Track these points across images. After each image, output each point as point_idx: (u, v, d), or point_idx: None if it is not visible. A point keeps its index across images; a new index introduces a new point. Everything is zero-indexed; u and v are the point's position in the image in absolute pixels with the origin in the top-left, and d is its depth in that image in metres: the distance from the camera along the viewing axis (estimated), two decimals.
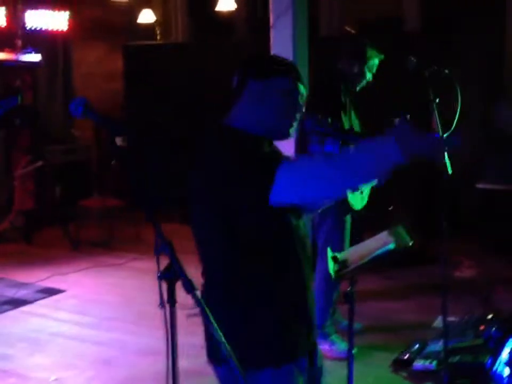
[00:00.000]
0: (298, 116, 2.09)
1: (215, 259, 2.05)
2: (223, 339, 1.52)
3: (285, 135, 2.11)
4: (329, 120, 2.51)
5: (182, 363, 1.74)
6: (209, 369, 2.13)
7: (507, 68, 7.38)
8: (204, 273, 2.10)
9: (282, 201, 1.90)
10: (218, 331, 1.52)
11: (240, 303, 2.01)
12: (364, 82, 4.20)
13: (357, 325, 4.39)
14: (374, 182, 2.17)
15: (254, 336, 2.00)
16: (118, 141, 7.66)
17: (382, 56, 4.20)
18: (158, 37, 8.89)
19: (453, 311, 3.72)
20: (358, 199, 4.11)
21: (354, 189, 2.07)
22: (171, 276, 1.55)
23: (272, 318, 2.01)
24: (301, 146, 3.99)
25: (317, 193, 1.94)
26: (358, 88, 4.21)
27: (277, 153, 2.11)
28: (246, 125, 2.05)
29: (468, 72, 6.09)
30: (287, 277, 2.04)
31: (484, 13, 6.75)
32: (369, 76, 4.19)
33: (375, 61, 4.18)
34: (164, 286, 1.58)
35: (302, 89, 2.08)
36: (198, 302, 1.53)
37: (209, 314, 1.53)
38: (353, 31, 7.94)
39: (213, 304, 1.70)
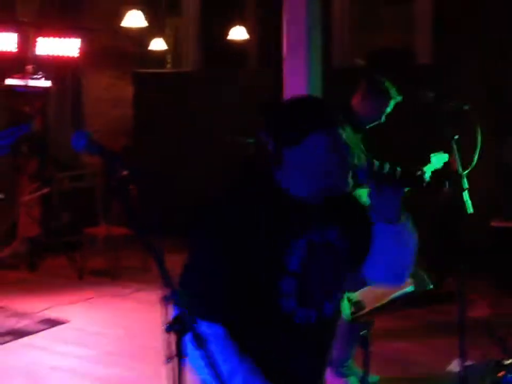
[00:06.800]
0: (351, 161, 1.84)
1: None
2: None
3: (343, 188, 1.87)
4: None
5: None
6: None
7: None
8: None
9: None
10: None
11: None
12: (375, 123, 3.88)
13: (373, 378, 4.17)
14: None
15: None
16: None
17: (400, 98, 3.82)
18: (168, 65, 8.87)
19: (468, 353, 3.56)
20: None
21: None
22: (180, 327, 1.43)
23: None
24: None
25: None
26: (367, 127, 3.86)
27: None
28: (290, 186, 1.85)
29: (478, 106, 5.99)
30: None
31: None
32: (383, 118, 3.86)
33: (393, 102, 3.83)
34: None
35: (345, 129, 1.84)
36: (209, 358, 1.40)
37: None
38: (362, 63, 7.89)
39: None
